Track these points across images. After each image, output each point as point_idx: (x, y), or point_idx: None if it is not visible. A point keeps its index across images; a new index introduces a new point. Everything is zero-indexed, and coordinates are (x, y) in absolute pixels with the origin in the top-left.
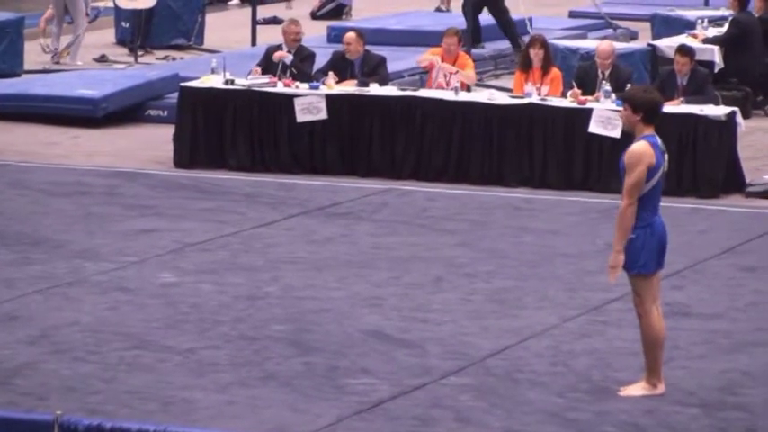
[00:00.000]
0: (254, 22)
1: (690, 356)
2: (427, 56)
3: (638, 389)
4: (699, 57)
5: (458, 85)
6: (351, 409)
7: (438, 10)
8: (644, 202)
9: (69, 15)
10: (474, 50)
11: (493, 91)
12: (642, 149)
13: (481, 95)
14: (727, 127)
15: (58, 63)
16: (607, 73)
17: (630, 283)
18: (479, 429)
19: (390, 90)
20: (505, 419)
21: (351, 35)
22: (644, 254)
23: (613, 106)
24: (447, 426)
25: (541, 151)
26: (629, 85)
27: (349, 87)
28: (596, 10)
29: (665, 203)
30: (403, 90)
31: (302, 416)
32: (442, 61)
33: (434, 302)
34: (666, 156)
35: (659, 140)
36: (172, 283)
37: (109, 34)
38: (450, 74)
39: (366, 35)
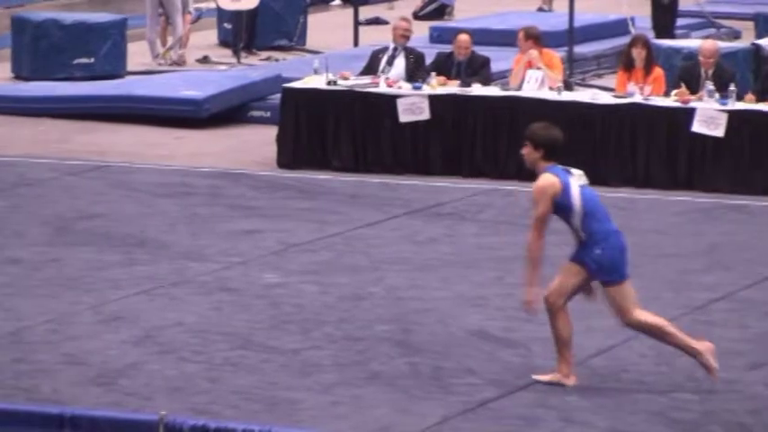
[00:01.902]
0: (357, 23)
1: None
2: (518, 72)
3: (708, 361)
4: None
5: (561, 84)
6: (456, 409)
7: (540, 10)
8: (590, 217)
9: (163, 8)
10: (577, 50)
11: (596, 91)
12: (544, 183)
13: (584, 95)
14: None
15: (161, 64)
16: (710, 72)
17: (609, 297)
18: (584, 429)
19: (493, 90)
20: (610, 419)
21: (465, 38)
22: (615, 263)
23: (717, 105)
24: (552, 425)
25: (645, 151)
26: (732, 85)
27: (452, 87)
28: (699, 9)
29: None
30: (506, 90)
31: (407, 416)
32: (529, 65)
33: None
34: (574, 170)
35: (559, 166)
36: (276, 284)
37: (212, 35)
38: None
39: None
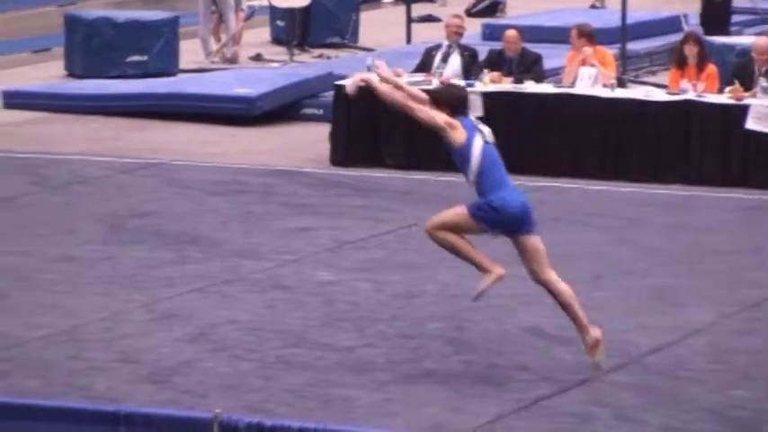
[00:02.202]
0: (409, 20)
1: None
2: (571, 69)
3: (483, 283)
4: None
5: (614, 81)
6: (509, 407)
7: (593, 7)
8: (485, 175)
9: (216, 6)
10: (630, 47)
11: (649, 88)
12: (456, 121)
13: (637, 92)
14: None
15: (214, 62)
16: (764, 69)
17: (454, 209)
18: (638, 427)
19: (546, 87)
20: (665, 417)
21: (512, 33)
22: (485, 214)
23: None
24: (606, 423)
25: (698, 148)
26: None
27: (505, 85)
28: (753, 6)
29: None
30: (559, 87)
31: (460, 414)
32: (582, 62)
33: (592, 300)
34: (484, 128)
35: (472, 119)
36: (329, 282)
37: (264, 33)
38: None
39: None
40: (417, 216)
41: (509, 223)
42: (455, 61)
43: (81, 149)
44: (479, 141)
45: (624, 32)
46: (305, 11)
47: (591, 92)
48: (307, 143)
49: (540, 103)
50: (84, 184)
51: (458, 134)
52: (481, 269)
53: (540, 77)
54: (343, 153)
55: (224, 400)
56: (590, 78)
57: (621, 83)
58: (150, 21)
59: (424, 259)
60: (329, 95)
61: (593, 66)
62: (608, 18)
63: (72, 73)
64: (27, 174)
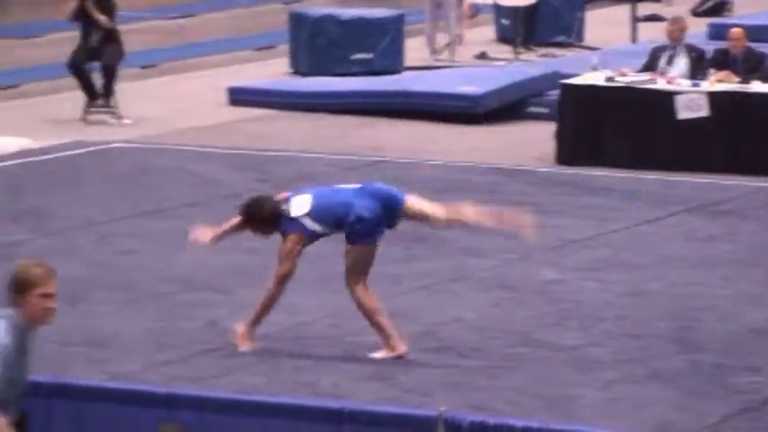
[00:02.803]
0: (634, 20)
1: None
2: None
3: (381, 353)
4: None
5: None
6: (737, 408)
7: None
8: (331, 217)
9: None
10: None
11: None
12: (290, 244)
13: None
14: None
15: (439, 60)
16: None
17: (350, 256)
18: None
19: None
20: None
21: (737, 30)
22: (361, 229)
23: None
24: None
25: None
26: None
27: (731, 84)
28: None
29: None
30: None
31: (687, 414)
32: None
33: None
34: (294, 207)
35: (283, 210)
36: (554, 280)
37: (489, 31)
38: None
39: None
40: (642, 216)
41: (377, 224)
42: (681, 62)
43: (307, 146)
44: (303, 216)
45: None
46: (530, 9)
47: None
48: (532, 142)
49: (766, 102)
50: (310, 180)
51: (296, 237)
52: (386, 340)
53: (766, 77)
54: (569, 151)
55: (447, 398)
56: None
57: None
58: (375, 18)
59: (650, 258)
60: (555, 94)
61: None
62: None
63: (297, 70)
64: (253, 170)
